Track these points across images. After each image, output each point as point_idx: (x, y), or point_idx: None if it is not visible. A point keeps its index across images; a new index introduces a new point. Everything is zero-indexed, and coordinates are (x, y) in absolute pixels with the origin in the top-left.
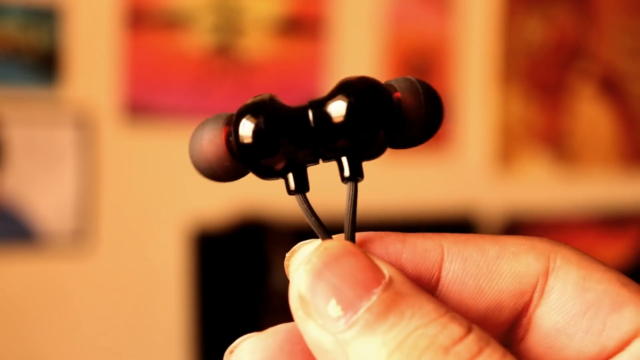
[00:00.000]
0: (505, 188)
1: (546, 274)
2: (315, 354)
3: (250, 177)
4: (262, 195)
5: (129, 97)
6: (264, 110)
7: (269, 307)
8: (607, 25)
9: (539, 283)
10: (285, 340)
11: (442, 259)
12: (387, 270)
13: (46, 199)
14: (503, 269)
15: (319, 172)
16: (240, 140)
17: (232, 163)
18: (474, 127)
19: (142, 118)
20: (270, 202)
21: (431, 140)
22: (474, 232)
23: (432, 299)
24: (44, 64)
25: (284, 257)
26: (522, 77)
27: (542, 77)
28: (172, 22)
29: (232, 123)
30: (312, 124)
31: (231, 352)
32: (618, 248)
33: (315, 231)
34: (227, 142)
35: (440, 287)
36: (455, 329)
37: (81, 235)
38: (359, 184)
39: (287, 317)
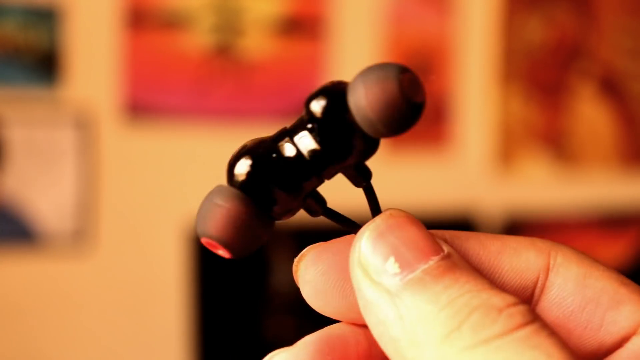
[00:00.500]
0: (505, 188)
1: (547, 271)
2: (366, 313)
3: None
4: None
5: (129, 97)
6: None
7: (269, 307)
8: (607, 25)
9: (540, 279)
10: (317, 352)
11: None
12: (446, 247)
13: (46, 199)
14: (504, 264)
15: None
16: (265, 202)
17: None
18: (474, 127)
19: (142, 118)
20: None
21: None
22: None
23: (485, 278)
24: (44, 64)
25: (284, 257)
26: (522, 77)
27: (542, 77)
28: (172, 22)
29: (243, 189)
30: (308, 158)
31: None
32: (618, 248)
33: (353, 232)
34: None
35: None
36: (508, 297)
37: (81, 235)
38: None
39: (287, 317)
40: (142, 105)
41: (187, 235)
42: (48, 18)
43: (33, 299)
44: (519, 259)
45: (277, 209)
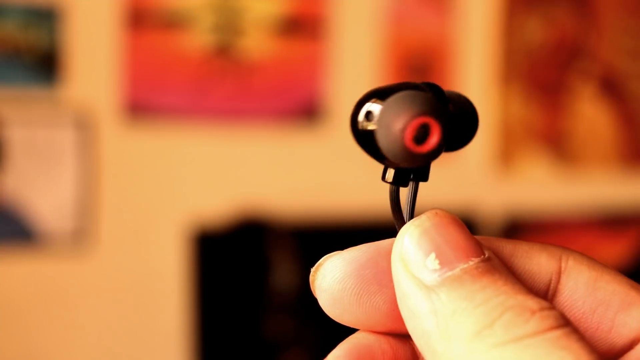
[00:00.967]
0: (505, 188)
1: (558, 274)
2: (402, 306)
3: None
4: (262, 195)
5: (129, 97)
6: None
7: (269, 307)
8: (607, 25)
9: (552, 282)
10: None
11: None
12: (487, 251)
13: (46, 199)
14: (517, 267)
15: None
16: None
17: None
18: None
19: (142, 118)
20: (270, 202)
21: None
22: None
23: (523, 284)
24: (44, 64)
25: (284, 257)
26: (522, 77)
27: (542, 77)
28: (172, 22)
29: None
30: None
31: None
32: (618, 248)
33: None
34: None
35: None
36: (543, 302)
37: (81, 235)
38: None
39: (287, 317)
40: (142, 105)
41: (187, 234)
42: (48, 18)
43: (33, 299)
44: (531, 262)
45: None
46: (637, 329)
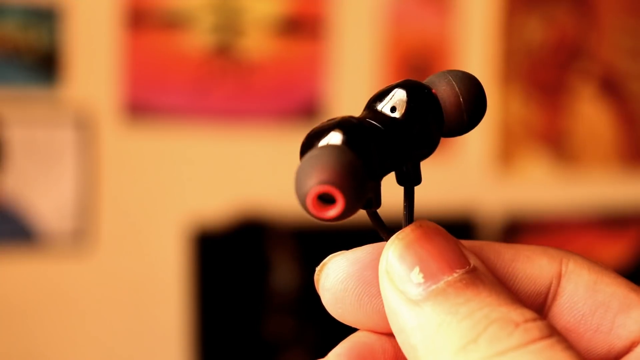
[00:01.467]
0: (505, 188)
1: (559, 277)
2: (390, 320)
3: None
4: (262, 195)
5: (129, 97)
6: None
7: (269, 307)
8: (607, 25)
9: (553, 285)
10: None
11: None
12: (472, 260)
13: (46, 199)
14: (518, 271)
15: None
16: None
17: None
18: (474, 127)
19: (142, 118)
20: (270, 202)
21: None
22: (474, 232)
23: (510, 292)
24: (44, 64)
25: (284, 257)
26: (522, 77)
27: (542, 77)
28: (172, 22)
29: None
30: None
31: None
32: (618, 248)
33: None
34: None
35: None
36: (528, 313)
37: (81, 235)
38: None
39: (287, 317)
40: (142, 105)
41: (187, 234)
42: (48, 18)
43: (33, 299)
44: (532, 266)
45: (373, 169)
46: (636, 331)
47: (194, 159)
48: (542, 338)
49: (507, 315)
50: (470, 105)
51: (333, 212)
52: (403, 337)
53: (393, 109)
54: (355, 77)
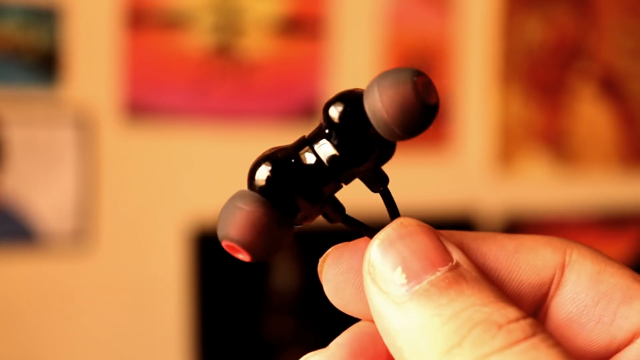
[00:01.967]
0: (505, 188)
1: (562, 267)
2: (376, 321)
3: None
4: None
5: (129, 97)
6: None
7: (269, 307)
8: (607, 25)
9: (556, 275)
10: (351, 353)
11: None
12: (455, 255)
13: (46, 199)
14: (521, 262)
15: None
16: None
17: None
18: (474, 127)
19: (142, 118)
20: None
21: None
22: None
23: (493, 287)
24: (44, 64)
25: (284, 257)
26: (522, 77)
27: (542, 77)
28: (172, 22)
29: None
30: (327, 164)
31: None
32: (618, 248)
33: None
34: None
35: None
36: (511, 312)
37: (81, 235)
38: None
39: (287, 317)
40: (142, 105)
41: (187, 234)
42: (48, 18)
43: (33, 299)
44: (536, 256)
45: (297, 213)
46: (638, 322)
47: (194, 159)
48: (525, 338)
49: (490, 317)
50: (397, 120)
51: (243, 257)
52: (389, 338)
53: (327, 126)
54: (355, 77)
